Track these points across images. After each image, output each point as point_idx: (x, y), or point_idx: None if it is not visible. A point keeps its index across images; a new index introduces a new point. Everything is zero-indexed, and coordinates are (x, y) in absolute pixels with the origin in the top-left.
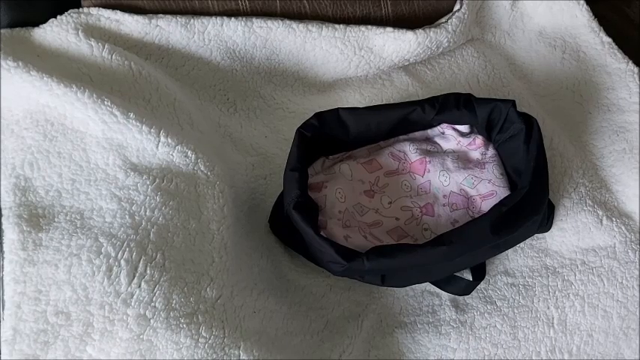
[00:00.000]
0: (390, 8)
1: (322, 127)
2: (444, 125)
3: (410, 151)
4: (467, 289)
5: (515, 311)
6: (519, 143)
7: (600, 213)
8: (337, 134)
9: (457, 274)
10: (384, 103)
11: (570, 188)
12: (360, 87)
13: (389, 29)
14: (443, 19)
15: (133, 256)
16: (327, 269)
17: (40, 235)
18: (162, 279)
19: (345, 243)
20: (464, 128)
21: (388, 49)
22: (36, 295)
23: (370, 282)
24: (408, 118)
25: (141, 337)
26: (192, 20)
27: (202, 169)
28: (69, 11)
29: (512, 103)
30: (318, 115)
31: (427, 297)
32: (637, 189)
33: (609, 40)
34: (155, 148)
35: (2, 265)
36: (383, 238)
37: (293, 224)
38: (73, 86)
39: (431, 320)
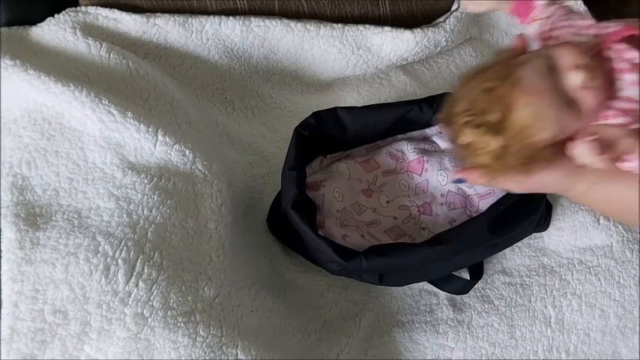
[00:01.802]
0: (388, 7)
1: (320, 126)
2: None
3: (408, 150)
4: (464, 288)
5: (513, 310)
6: None
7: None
8: (335, 133)
9: (455, 273)
10: (382, 102)
11: None
12: (358, 86)
13: (387, 28)
14: (441, 19)
15: (131, 255)
16: (325, 268)
17: (37, 233)
18: (159, 278)
19: (343, 242)
20: None
21: (386, 48)
22: (33, 294)
23: (368, 281)
24: (405, 118)
25: (138, 336)
26: (190, 19)
27: (200, 168)
28: (67, 10)
29: None
30: (316, 115)
31: (425, 296)
32: None
33: None
34: (153, 147)
35: None
36: (381, 237)
37: (291, 223)
38: (71, 85)
39: (428, 319)
